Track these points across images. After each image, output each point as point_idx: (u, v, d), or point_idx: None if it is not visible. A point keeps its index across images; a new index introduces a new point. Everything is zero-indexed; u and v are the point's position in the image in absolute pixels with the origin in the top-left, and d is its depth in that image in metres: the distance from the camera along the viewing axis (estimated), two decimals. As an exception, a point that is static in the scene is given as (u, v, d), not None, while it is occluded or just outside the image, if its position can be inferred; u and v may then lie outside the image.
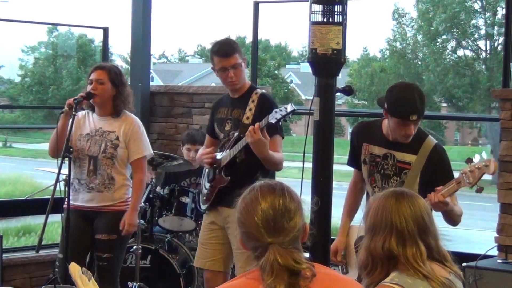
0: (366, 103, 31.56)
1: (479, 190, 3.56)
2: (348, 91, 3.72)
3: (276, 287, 2.00)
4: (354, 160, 4.05)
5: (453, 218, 3.67)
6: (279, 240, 2.04)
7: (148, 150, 4.74)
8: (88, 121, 4.71)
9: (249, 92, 4.35)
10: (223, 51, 4.28)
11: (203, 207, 4.47)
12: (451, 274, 2.50)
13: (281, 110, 3.99)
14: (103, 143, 4.61)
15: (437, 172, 3.69)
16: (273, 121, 3.99)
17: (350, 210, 4.04)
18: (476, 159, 3.53)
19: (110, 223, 4.60)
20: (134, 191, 4.65)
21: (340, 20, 3.47)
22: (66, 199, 4.52)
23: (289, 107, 3.99)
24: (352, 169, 4.11)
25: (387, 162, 3.82)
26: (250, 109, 4.26)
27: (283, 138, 4.33)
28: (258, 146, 4.06)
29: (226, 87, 4.43)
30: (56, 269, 4.61)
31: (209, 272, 4.44)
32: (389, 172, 3.81)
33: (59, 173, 4.47)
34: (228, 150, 4.30)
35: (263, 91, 4.40)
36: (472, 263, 4.62)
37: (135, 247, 4.98)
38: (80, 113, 4.70)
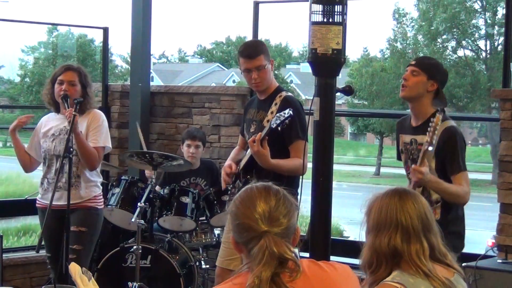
0: (366, 103, 31.56)
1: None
2: (348, 91, 3.73)
3: (262, 274, 2.03)
4: (398, 153, 4.20)
5: (448, 196, 3.78)
6: (273, 230, 2.10)
7: (104, 143, 4.72)
8: (52, 121, 4.78)
9: (274, 94, 4.31)
10: (247, 53, 4.27)
11: (226, 207, 4.48)
12: (454, 274, 2.53)
13: (281, 116, 3.97)
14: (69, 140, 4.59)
15: (445, 150, 3.78)
16: (273, 126, 3.97)
17: None
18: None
19: (80, 216, 4.66)
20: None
21: (340, 20, 3.47)
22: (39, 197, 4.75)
23: (287, 112, 3.97)
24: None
25: (412, 147, 3.93)
26: (272, 112, 4.22)
27: (307, 140, 4.22)
28: (258, 158, 4.05)
29: (252, 88, 4.43)
30: (49, 267, 4.69)
31: (221, 269, 4.41)
32: (416, 157, 3.86)
33: (59, 173, 4.48)
34: (246, 153, 4.31)
35: (288, 94, 4.33)
36: (472, 263, 4.62)
37: (135, 247, 4.98)
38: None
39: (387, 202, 2.51)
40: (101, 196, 4.83)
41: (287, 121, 3.98)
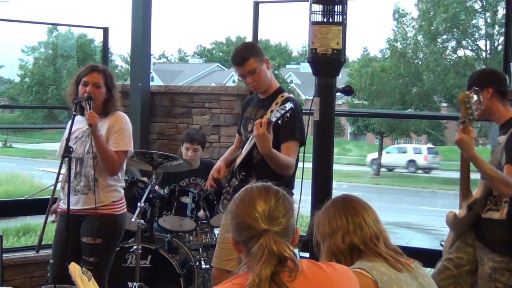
0: (366, 103, 31.58)
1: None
2: (348, 91, 3.73)
3: (262, 273, 2.04)
4: None
5: (486, 177, 3.82)
6: (273, 228, 2.12)
7: (127, 147, 4.52)
8: (76, 124, 4.54)
9: (276, 93, 4.28)
10: (236, 59, 4.25)
11: (221, 206, 4.47)
12: (415, 262, 2.61)
13: (281, 109, 3.96)
14: (88, 143, 4.47)
15: (509, 143, 3.82)
16: (273, 119, 3.93)
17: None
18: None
19: (96, 226, 4.41)
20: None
21: (340, 20, 3.49)
22: (61, 202, 4.52)
23: (288, 106, 3.94)
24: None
25: (497, 150, 3.97)
26: (271, 111, 4.17)
27: (302, 144, 4.18)
28: (261, 141, 3.95)
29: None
30: (48, 274, 4.57)
31: (218, 270, 4.39)
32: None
33: (58, 173, 4.46)
34: (242, 150, 4.29)
35: (290, 95, 4.28)
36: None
37: (135, 247, 4.98)
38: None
39: (333, 209, 2.61)
40: (122, 201, 4.58)
41: (287, 114, 3.93)
